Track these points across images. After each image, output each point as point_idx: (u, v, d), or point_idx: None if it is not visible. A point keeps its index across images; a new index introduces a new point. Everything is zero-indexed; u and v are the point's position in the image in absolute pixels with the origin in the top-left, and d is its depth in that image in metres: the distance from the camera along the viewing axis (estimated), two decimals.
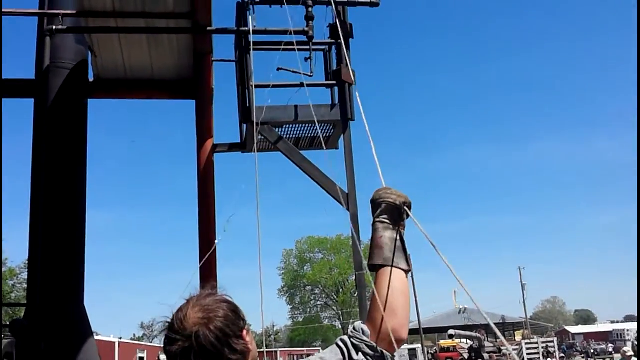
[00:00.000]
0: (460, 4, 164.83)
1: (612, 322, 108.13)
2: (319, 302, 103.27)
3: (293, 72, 8.17)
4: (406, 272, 2.49)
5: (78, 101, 8.51)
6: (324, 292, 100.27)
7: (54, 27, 7.54)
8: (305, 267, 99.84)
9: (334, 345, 2.36)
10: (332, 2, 8.03)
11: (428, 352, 64.98)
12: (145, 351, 59.97)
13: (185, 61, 9.19)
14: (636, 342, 51.75)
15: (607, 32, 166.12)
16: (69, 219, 8.09)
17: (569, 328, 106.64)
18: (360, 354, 2.29)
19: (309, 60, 8.12)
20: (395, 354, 2.37)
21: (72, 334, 7.70)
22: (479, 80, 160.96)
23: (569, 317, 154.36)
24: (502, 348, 56.78)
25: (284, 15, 7.76)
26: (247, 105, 8.37)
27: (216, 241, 8.65)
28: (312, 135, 9.47)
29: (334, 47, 8.75)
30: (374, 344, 2.30)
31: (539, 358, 50.14)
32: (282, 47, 8.17)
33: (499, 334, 2.42)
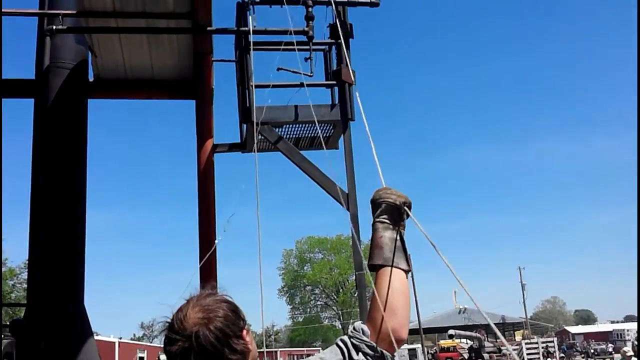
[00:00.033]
0: (460, 4, 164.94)
1: (612, 322, 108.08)
2: (319, 302, 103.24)
3: (293, 72, 8.17)
4: (406, 272, 2.49)
5: (78, 101, 8.51)
6: (324, 292, 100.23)
7: (54, 27, 7.54)
8: (305, 267, 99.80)
9: (334, 345, 2.36)
10: (332, 2, 8.04)
11: (428, 352, 65.01)
12: (146, 351, 59.98)
13: (186, 61, 9.18)
14: (636, 342, 51.73)
15: (607, 32, 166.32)
16: (69, 219, 8.09)
17: (569, 328, 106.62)
18: (360, 354, 2.29)
19: (309, 60, 8.13)
20: (395, 354, 2.37)
21: (72, 334, 7.70)
22: (479, 80, 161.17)
23: (569, 317, 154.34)
24: (502, 348, 56.78)
25: (284, 15, 7.77)
26: (247, 105, 8.37)
27: (216, 241, 8.65)
28: (312, 135, 9.47)
29: (334, 47, 8.75)
30: (374, 344, 2.30)
31: (539, 358, 50.12)
32: (282, 47, 8.18)
33: (498, 333, 2.41)
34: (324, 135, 9.34)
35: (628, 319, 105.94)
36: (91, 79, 9.16)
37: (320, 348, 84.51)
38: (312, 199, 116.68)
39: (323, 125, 9.06)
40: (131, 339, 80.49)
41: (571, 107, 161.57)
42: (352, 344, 2.32)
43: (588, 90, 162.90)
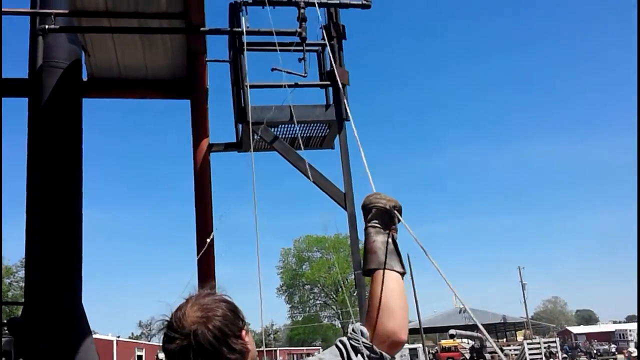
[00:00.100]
0: (459, 3, 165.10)
1: (614, 322, 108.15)
2: (318, 301, 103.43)
3: (287, 72, 8.18)
4: (401, 274, 2.50)
5: (72, 100, 8.49)
6: (323, 291, 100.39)
7: (47, 27, 7.52)
8: (303, 266, 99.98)
9: (334, 346, 2.38)
10: (322, 3, 8.05)
11: (429, 352, 65.07)
12: (144, 349, 60.24)
13: (179, 61, 9.18)
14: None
15: (606, 32, 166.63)
16: (66, 218, 8.08)
17: (571, 328, 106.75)
18: (359, 355, 2.30)
19: (303, 61, 8.14)
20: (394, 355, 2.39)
21: (71, 333, 7.70)
22: (477, 81, 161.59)
23: (570, 317, 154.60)
24: (504, 348, 56.86)
25: (278, 15, 7.77)
26: (242, 105, 8.37)
27: (212, 233, 8.67)
28: (308, 135, 9.46)
29: (326, 48, 8.75)
30: (373, 346, 2.31)
31: (542, 358, 50.14)
32: (276, 47, 8.17)
33: (484, 332, 2.38)
34: (320, 134, 9.35)
35: (630, 319, 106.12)
36: (85, 78, 9.13)
37: (320, 347, 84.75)
38: (310, 198, 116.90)
39: (318, 125, 9.07)
40: (129, 338, 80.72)
41: (571, 107, 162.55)
42: (351, 345, 2.33)
43: (587, 91, 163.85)
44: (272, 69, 8.26)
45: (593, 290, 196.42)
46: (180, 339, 2.07)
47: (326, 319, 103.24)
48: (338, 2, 8.25)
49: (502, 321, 78.65)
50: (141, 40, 8.57)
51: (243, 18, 7.86)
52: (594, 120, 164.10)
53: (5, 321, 8.16)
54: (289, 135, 9.36)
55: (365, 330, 2.36)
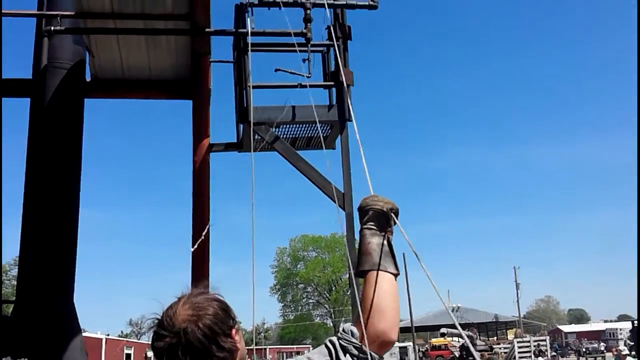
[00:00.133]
0: (462, 6, 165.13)
1: (605, 321, 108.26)
2: (311, 300, 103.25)
3: (291, 73, 8.20)
4: (395, 275, 2.51)
5: (75, 101, 8.50)
6: (316, 290, 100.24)
7: (52, 28, 7.54)
8: (298, 265, 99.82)
9: (323, 346, 2.38)
10: (329, 4, 8.08)
11: (419, 350, 65.10)
12: (133, 348, 59.99)
13: (183, 62, 9.18)
14: (629, 341, 51.90)
15: (607, 34, 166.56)
16: (62, 218, 8.08)
17: (561, 327, 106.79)
18: (347, 355, 2.30)
19: (307, 61, 8.16)
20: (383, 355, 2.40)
21: (61, 332, 7.69)
22: (478, 82, 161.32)
23: (563, 316, 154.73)
24: (495, 346, 56.93)
25: (283, 17, 7.79)
26: (245, 105, 8.39)
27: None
28: (309, 135, 9.49)
29: (332, 49, 8.78)
30: (362, 346, 2.31)
31: (531, 356, 50.20)
32: (280, 48, 8.21)
33: (464, 335, 2.45)
34: (322, 135, 9.37)
35: (621, 318, 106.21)
36: (88, 79, 9.15)
37: (310, 346, 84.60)
38: (308, 199, 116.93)
39: (320, 125, 9.09)
40: (119, 336, 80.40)
41: (567, 109, 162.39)
42: (341, 345, 2.33)
43: (585, 92, 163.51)
44: (276, 70, 8.30)
45: (586, 290, 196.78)
46: (169, 336, 2.08)
47: (318, 318, 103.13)
48: (345, 2, 8.29)
49: (494, 320, 78.73)
50: (145, 41, 8.57)
51: (248, 19, 7.88)
52: (592, 122, 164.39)
53: None
54: (291, 136, 9.40)
55: (355, 330, 2.35)
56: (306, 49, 8.04)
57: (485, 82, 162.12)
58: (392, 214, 2.57)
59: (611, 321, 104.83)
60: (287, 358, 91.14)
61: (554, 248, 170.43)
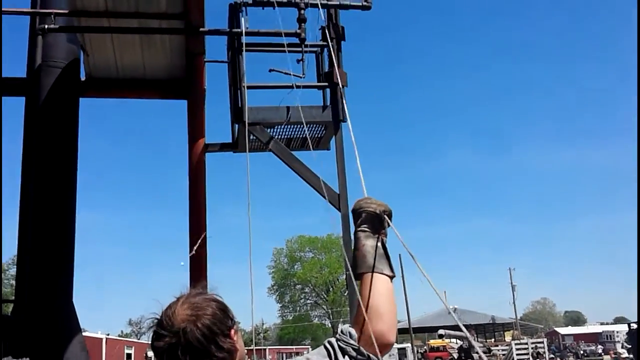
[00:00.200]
0: (461, 7, 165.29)
1: (602, 323, 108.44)
2: (308, 301, 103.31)
3: (285, 73, 8.19)
4: (391, 277, 2.51)
5: (69, 100, 8.49)
6: (314, 290, 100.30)
7: (46, 26, 7.53)
8: (295, 266, 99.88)
9: (322, 347, 2.37)
10: (322, 4, 8.07)
11: (418, 352, 65.10)
12: (133, 347, 60.06)
13: (178, 61, 9.17)
14: (626, 344, 51.94)
15: (607, 34, 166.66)
16: (59, 217, 8.08)
17: (558, 329, 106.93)
18: (346, 357, 2.30)
19: (301, 62, 8.16)
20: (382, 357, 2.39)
21: (61, 331, 7.69)
22: (476, 85, 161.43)
23: (559, 318, 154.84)
24: (492, 348, 56.98)
25: (277, 17, 7.78)
26: (239, 105, 8.39)
27: (205, 233, 8.69)
28: (304, 136, 9.48)
29: (325, 50, 8.77)
30: (360, 348, 2.31)
31: (529, 358, 50.24)
32: (275, 48, 8.20)
33: (468, 335, 2.44)
34: (316, 136, 9.36)
35: (617, 320, 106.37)
36: (83, 78, 9.14)
37: (309, 347, 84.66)
38: (304, 199, 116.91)
39: (315, 126, 9.08)
40: (119, 336, 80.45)
41: (560, 113, 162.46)
42: (339, 346, 2.33)
43: (579, 96, 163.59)
44: (270, 70, 8.30)
45: (582, 292, 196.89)
46: (169, 336, 2.08)
47: (316, 319, 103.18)
48: (338, 3, 8.27)
49: (491, 322, 78.74)
50: (140, 40, 8.57)
51: (242, 19, 7.87)
52: (582, 127, 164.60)
53: None
54: (285, 136, 9.39)
55: (353, 332, 2.36)
56: (300, 49, 8.05)
57: (484, 85, 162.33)
58: (385, 216, 2.57)
59: (607, 323, 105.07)
60: (286, 359, 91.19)
61: (550, 250, 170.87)
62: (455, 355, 56.92)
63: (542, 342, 54.72)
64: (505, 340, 72.70)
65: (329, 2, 8.26)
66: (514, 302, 76.74)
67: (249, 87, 8.37)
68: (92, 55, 8.86)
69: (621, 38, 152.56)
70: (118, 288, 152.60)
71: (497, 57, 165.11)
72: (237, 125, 9.06)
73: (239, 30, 7.95)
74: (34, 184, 8.17)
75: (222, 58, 9.49)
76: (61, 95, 8.34)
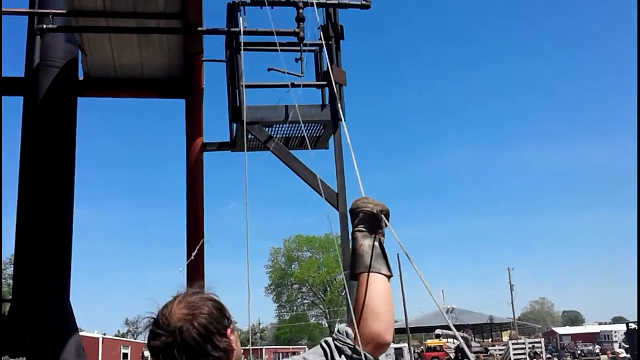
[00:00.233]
0: (460, 6, 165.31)
1: (600, 323, 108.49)
2: (305, 301, 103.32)
3: (283, 72, 8.18)
4: (388, 277, 2.51)
5: (67, 99, 8.48)
6: (311, 290, 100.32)
7: (45, 26, 7.52)
8: (292, 266, 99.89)
9: (318, 346, 2.38)
10: (321, 3, 8.07)
11: (414, 352, 65.12)
12: (129, 347, 59.99)
13: (176, 60, 9.17)
14: (624, 344, 52.00)
15: (607, 35, 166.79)
16: (56, 216, 8.07)
17: (556, 329, 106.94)
18: (342, 356, 2.30)
19: (300, 61, 8.15)
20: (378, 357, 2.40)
21: (58, 330, 7.69)
22: (474, 84, 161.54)
23: (557, 318, 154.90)
24: (490, 348, 57.02)
25: (276, 15, 7.78)
26: (238, 104, 8.38)
27: (203, 240, 8.67)
28: (302, 135, 9.47)
29: (324, 48, 8.76)
30: (357, 347, 2.32)
31: (526, 358, 50.28)
32: (273, 47, 8.19)
33: (459, 337, 2.45)
34: (315, 135, 9.36)
35: (616, 320, 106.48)
36: (81, 77, 9.14)
37: (306, 346, 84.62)
38: (302, 198, 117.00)
39: (313, 125, 9.09)
40: (115, 335, 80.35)
41: (557, 111, 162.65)
42: (336, 346, 2.33)
43: (578, 94, 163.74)
44: (269, 69, 8.29)
45: (580, 292, 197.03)
46: (165, 335, 2.08)
47: (313, 318, 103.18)
48: (337, 2, 8.27)
49: (489, 321, 78.82)
50: (138, 40, 8.56)
51: (241, 18, 7.87)
52: (580, 124, 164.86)
53: None
54: (284, 135, 9.39)
55: (350, 331, 2.36)
56: (299, 48, 8.04)
57: (482, 84, 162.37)
58: (383, 216, 2.57)
59: (605, 323, 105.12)
60: (283, 358, 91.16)
61: (548, 250, 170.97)
62: (452, 355, 56.98)
63: (540, 342, 54.77)
64: (502, 340, 72.82)
65: (328, 1, 8.25)
66: (512, 302, 76.87)
67: (247, 86, 8.38)
68: (90, 55, 8.86)
69: (621, 37, 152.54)
70: (115, 287, 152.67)
71: (496, 57, 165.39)
72: (235, 125, 9.05)
73: (237, 29, 7.95)
74: (31, 183, 8.16)
75: (220, 57, 9.50)
76: (59, 95, 8.32)
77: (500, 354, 54.17)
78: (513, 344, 53.27)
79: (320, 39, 8.39)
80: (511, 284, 77.51)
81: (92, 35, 8.36)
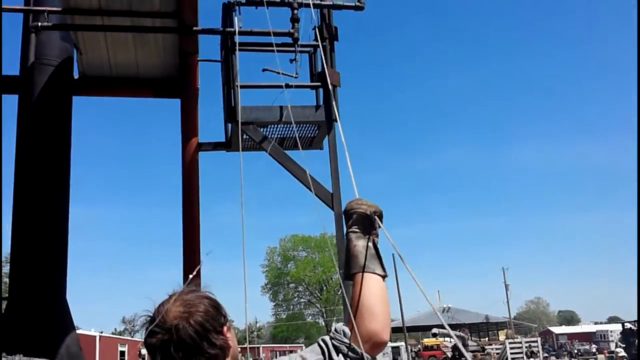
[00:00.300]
0: (457, 4, 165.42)
1: (596, 323, 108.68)
2: (302, 300, 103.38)
3: (278, 73, 8.18)
4: (383, 277, 2.51)
5: (63, 98, 8.48)
6: (307, 289, 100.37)
7: (39, 24, 7.51)
8: (289, 265, 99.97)
9: (315, 345, 2.38)
10: (315, 4, 8.07)
11: (412, 351, 65.16)
12: (127, 345, 59.89)
13: (171, 60, 9.17)
14: (620, 343, 52.08)
15: (607, 35, 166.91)
16: (52, 214, 8.07)
17: (552, 328, 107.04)
18: (340, 355, 2.31)
19: (295, 61, 8.15)
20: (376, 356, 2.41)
21: (54, 328, 7.68)
22: (471, 83, 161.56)
23: (553, 317, 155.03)
24: (487, 347, 57.05)
25: (271, 16, 7.77)
26: (233, 104, 8.37)
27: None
28: (297, 135, 9.47)
29: (319, 49, 8.76)
30: (354, 346, 2.32)
31: (523, 358, 50.29)
32: (268, 48, 8.19)
33: (455, 338, 2.45)
34: (309, 135, 9.36)
35: (611, 320, 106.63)
36: (76, 76, 9.12)
37: (303, 345, 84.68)
38: (297, 198, 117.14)
39: (308, 125, 9.09)
40: (112, 334, 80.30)
41: (553, 111, 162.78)
42: (333, 344, 2.34)
43: (575, 94, 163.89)
44: (263, 70, 8.29)
45: (576, 292, 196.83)
46: (161, 333, 2.08)
47: (310, 317, 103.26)
48: (331, 3, 8.27)
49: (485, 321, 78.89)
50: (133, 39, 8.56)
51: (236, 18, 7.86)
52: (576, 124, 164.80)
53: None
54: (278, 136, 9.39)
55: (347, 330, 2.37)
56: (293, 49, 8.04)
57: (482, 83, 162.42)
58: (376, 217, 2.58)
59: (601, 323, 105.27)
60: (280, 356, 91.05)
61: (544, 249, 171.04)
62: (449, 354, 57.00)
63: (536, 342, 54.81)
64: (499, 340, 72.83)
65: (322, 2, 8.27)
66: (507, 302, 76.89)
67: (242, 87, 8.36)
68: (85, 54, 8.85)
69: (621, 37, 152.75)
70: (111, 285, 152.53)
71: (496, 56, 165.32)
72: (230, 125, 9.05)
73: (232, 29, 7.94)
74: (27, 181, 8.15)
75: (215, 57, 9.49)
76: (54, 93, 8.33)
77: (497, 353, 54.16)
78: (510, 343, 53.27)
79: (316, 39, 8.39)
80: (506, 284, 77.53)
81: (88, 33, 8.36)
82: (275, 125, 8.96)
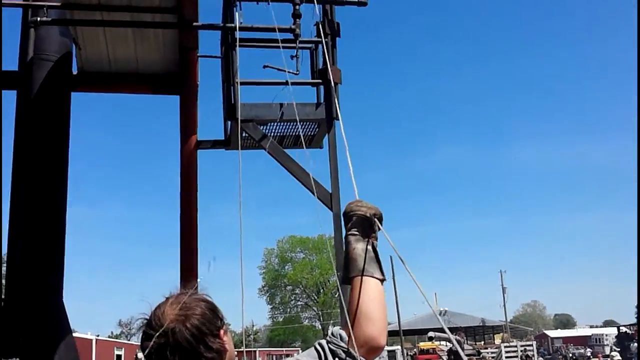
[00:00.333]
0: (457, 4, 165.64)
1: (591, 326, 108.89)
2: (299, 302, 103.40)
3: (279, 69, 8.15)
4: (381, 280, 2.50)
5: (61, 94, 8.45)
6: (304, 292, 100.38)
7: (39, 19, 7.46)
8: (286, 267, 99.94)
9: (312, 348, 2.37)
10: (318, 0, 8.02)
11: (407, 354, 65.16)
12: (123, 349, 59.93)
13: (171, 56, 9.11)
14: (615, 347, 52.19)
15: (607, 34, 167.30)
16: (49, 214, 8.03)
17: (548, 332, 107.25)
18: (336, 359, 2.30)
19: (296, 58, 8.12)
20: None
21: (51, 330, 7.64)
22: (470, 82, 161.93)
23: (549, 321, 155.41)
24: (482, 351, 57.09)
25: (271, 12, 7.74)
26: (232, 102, 8.34)
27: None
28: (297, 133, 9.44)
29: (320, 46, 8.73)
30: (351, 350, 2.30)
31: None
32: (269, 44, 8.15)
33: (453, 340, 2.40)
34: (309, 133, 9.33)
35: (607, 323, 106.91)
36: (75, 71, 9.08)
37: (299, 348, 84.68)
38: (296, 198, 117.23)
39: (308, 123, 9.06)
40: (109, 337, 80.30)
41: (553, 111, 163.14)
42: (330, 348, 2.33)
43: (575, 94, 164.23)
44: (264, 66, 8.25)
45: (572, 294, 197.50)
46: (158, 336, 2.07)
47: (307, 320, 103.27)
48: None
49: (481, 324, 79.04)
50: (133, 34, 8.51)
51: (237, 13, 7.82)
52: (574, 124, 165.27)
53: None
54: (278, 134, 9.35)
55: (344, 334, 2.35)
56: (295, 45, 7.99)
57: (482, 82, 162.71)
58: (376, 220, 2.55)
59: (597, 327, 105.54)
60: None
61: (543, 250, 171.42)
62: (445, 358, 57.00)
63: (532, 345, 54.89)
64: (495, 343, 72.94)
65: None
66: (504, 305, 77.00)
67: (242, 83, 8.33)
68: (84, 49, 8.80)
69: (621, 37, 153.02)
70: (108, 288, 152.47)
71: (496, 56, 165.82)
72: (229, 122, 9.01)
73: (232, 25, 7.89)
74: (24, 180, 8.11)
75: (215, 53, 9.45)
76: (53, 89, 8.29)
77: (492, 357, 54.23)
78: (505, 347, 53.35)
79: (318, 35, 8.36)
80: (503, 287, 77.74)
81: (87, 29, 8.30)
82: (275, 123, 8.92)
